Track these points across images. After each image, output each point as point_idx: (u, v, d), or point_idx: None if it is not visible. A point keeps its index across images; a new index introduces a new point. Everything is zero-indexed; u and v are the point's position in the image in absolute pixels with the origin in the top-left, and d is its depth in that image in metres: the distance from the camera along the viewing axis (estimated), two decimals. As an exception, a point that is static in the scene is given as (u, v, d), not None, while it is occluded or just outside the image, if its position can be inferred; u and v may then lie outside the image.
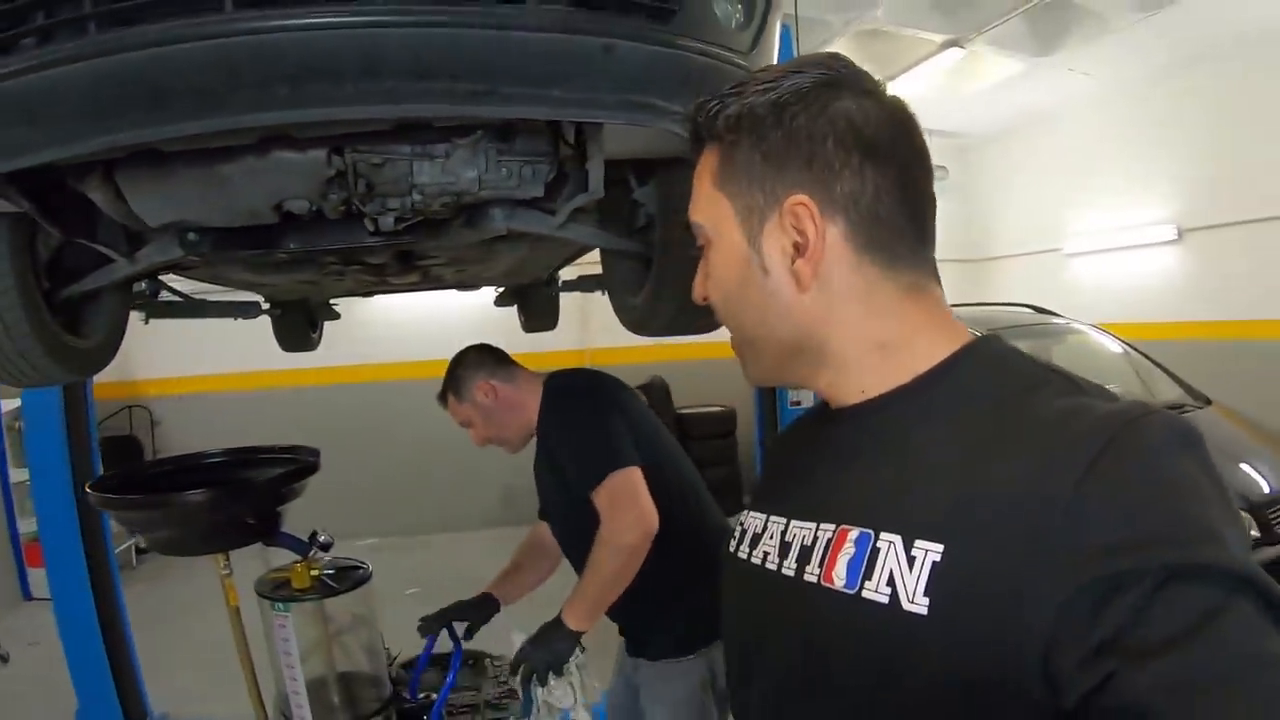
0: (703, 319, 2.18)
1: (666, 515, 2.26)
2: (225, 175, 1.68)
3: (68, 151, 1.38)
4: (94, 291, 2.19)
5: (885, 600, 0.76)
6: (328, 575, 2.37)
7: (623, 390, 2.61)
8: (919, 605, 0.73)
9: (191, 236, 1.87)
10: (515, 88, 1.41)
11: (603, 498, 2.25)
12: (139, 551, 7.80)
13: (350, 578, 2.38)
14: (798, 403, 4.56)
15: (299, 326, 5.01)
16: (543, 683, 2.21)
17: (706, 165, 0.95)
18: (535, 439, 2.58)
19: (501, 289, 4.73)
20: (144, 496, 2.19)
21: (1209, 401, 5.90)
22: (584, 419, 2.41)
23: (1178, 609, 0.63)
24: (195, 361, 7.85)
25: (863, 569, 0.79)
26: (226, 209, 1.82)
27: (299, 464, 2.47)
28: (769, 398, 4.65)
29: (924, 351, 0.89)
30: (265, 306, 4.27)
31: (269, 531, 2.33)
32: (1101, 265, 8.73)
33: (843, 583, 0.80)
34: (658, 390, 8.25)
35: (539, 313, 4.87)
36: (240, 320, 4.08)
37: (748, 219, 0.91)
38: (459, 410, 2.63)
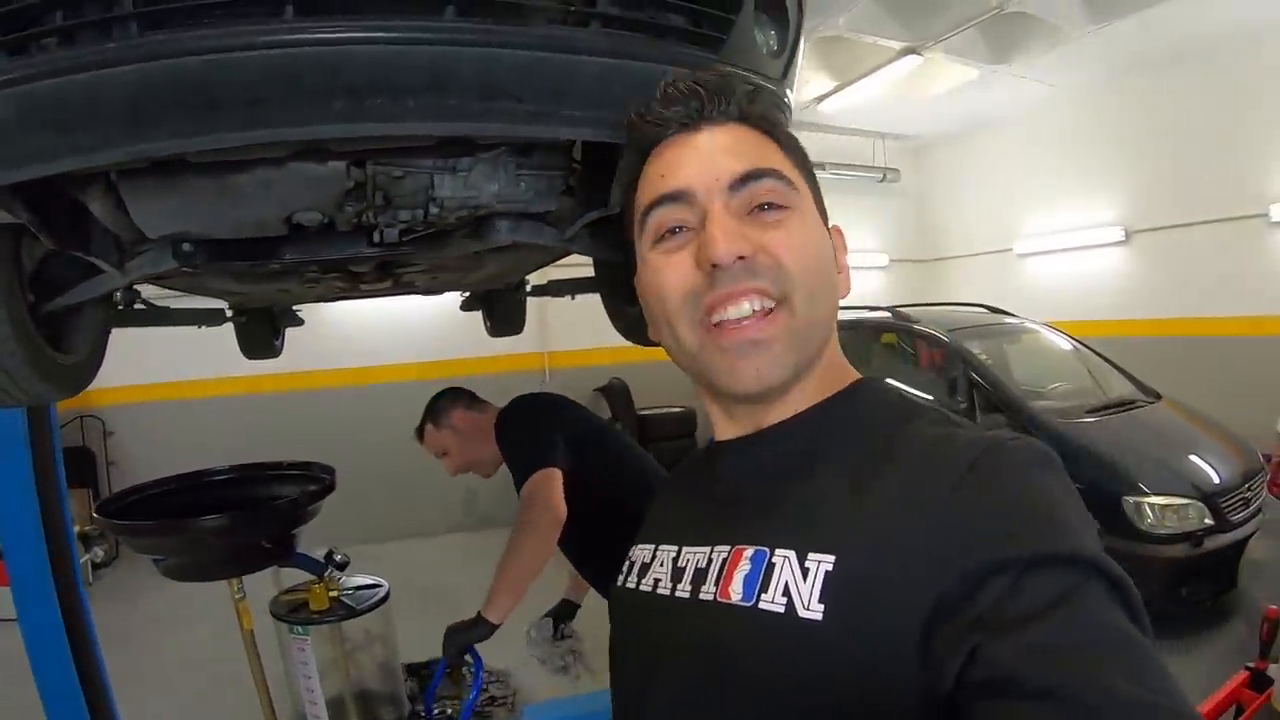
0: None
1: (619, 496, 2.44)
2: (238, 186, 1.65)
3: (90, 162, 1.33)
4: (77, 305, 2.13)
5: (782, 610, 0.79)
6: (345, 595, 2.33)
7: (560, 407, 2.99)
8: (814, 612, 0.77)
9: (186, 248, 1.83)
10: (578, 110, 1.44)
11: (524, 492, 2.60)
12: (95, 566, 7.62)
13: (368, 598, 2.38)
14: None
15: (263, 334, 4.85)
16: (454, 667, 2.49)
17: (751, 138, 0.97)
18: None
19: (468, 294, 4.72)
20: (161, 522, 2.10)
21: (1159, 396, 6.07)
22: (517, 435, 2.80)
23: (1040, 590, 0.68)
24: (148, 370, 7.64)
25: (759, 583, 0.82)
26: (234, 221, 1.79)
27: (314, 482, 2.42)
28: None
29: (837, 376, 0.97)
30: (229, 314, 4.16)
31: (286, 554, 2.27)
32: (1052, 265, 8.96)
33: (739, 597, 0.83)
34: (619, 392, 8.27)
35: (506, 318, 4.85)
36: (200, 328, 3.96)
37: (820, 211, 0.97)
38: (436, 438, 2.96)
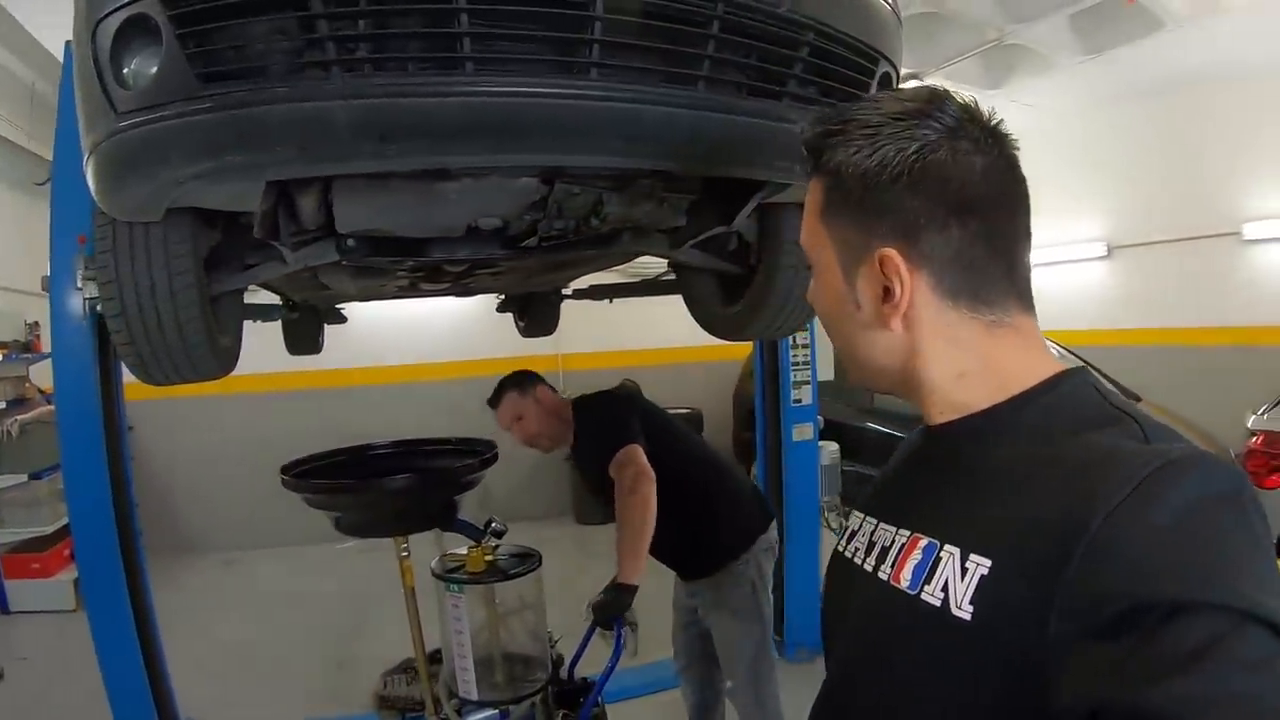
0: (791, 327, 2.67)
1: (685, 475, 3.06)
2: (442, 192, 1.86)
3: (348, 168, 1.60)
4: (230, 292, 2.29)
5: (938, 604, 0.84)
6: (500, 560, 2.58)
7: (634, 398, 3.43)
8: (964, 611, 0.81)
9: (350, 242, 2.02)
10: (771, 159, 1.79)
11: (613, 466, 2.90)
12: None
13: (522, 565, 2.60)
14: (799, 401, 4.91)
15: (310, 330, 5.15)
16: (606, 627, 2.71)
17: (814, 196, 1.02)
18: (571, 446, 3.25)
19: (505, 297, 4.95)
20: (349, 481, 2.38)
21: (1139, 399, 6.30)
22: (602, 414, 3.17)
23: (1186, 637, 0.65)
24: None
25: (925, 574, 0.87)
26: (425, 222, 2.01)
27: (473, 455, 2.68)
28: (771, 395, 4.93)
29: (1003, 382, 0.94)
30: (282, 310, 4.29)
31: (449, 518, 2.53)
32: (1039, 278, 9.14)
33: (907, 584, 0.89)
34: (627, 392, 8.37)
35: (540, 320, 5.12)
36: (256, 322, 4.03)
37: (844, 257, 0.98)
38: (518, 404, 3.18)
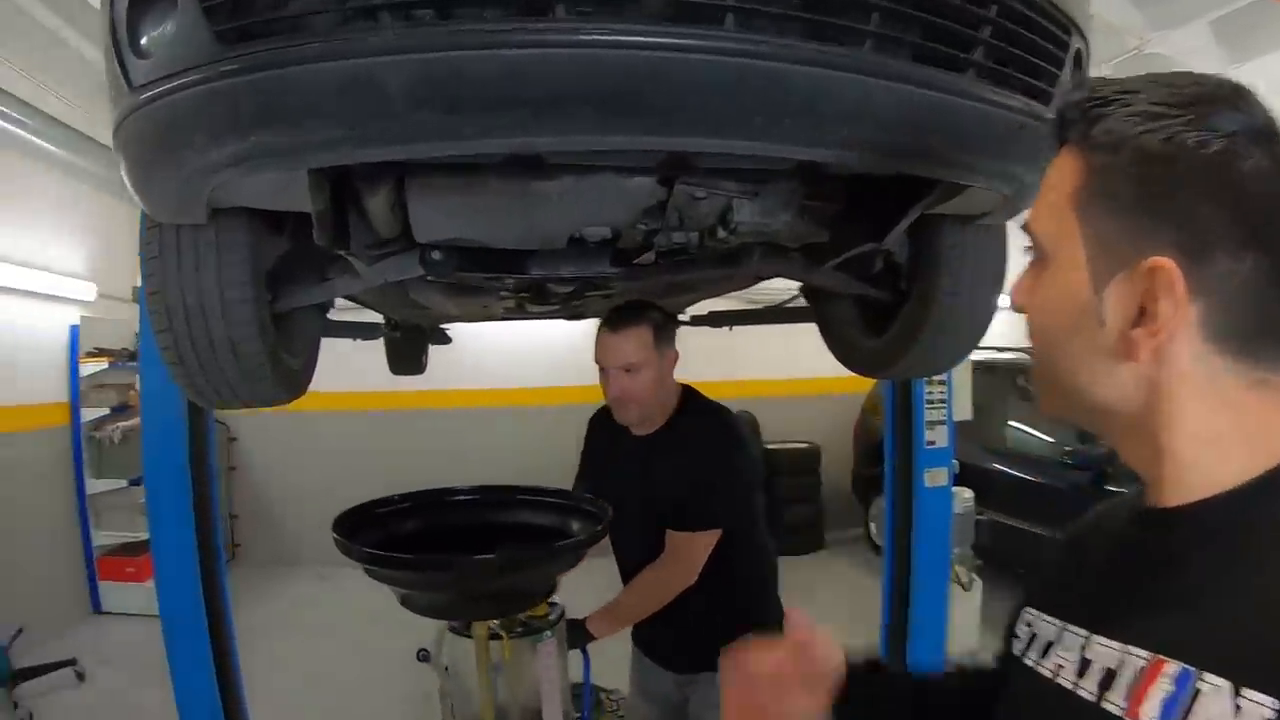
0: (946, 363, 2.32)
1: (756, 558, 2.61)
2: (539, 194, 1.57)
3: (412, 152, 1.25)
4: (300, 309, 2.08)
5: None
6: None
7: (758, 467, 2.89)
8: None
9: (435, 255, 1.75)
10: (951, 151, 1.41)
11: (679, 541, 2.46)
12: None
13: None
14: (932, 443, 4.46)
15: (413, 350, 5.03)
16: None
17: (1066, 173, 0.82)
18: (658, 431, 2.60)
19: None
20: (424, 557, 1.83)
21: None
22: (729, 473, 2.54)
23: None
24: None
25: (1179, 713, 0.68)
26: (519, 231, 1.72)
27: (577, 514, 2.14)
28: (902, 434, 4.51)
29: (1265, 458, 0.75)
30: (385, 329, 4.23)
31: (548, 595, 2.05)
32: None
33: None
34: (746, 426, 8.06)
35: None
36: (355, 341, 3.91)
37: (1098, 259, 0.80)
38: (644, 352, 2.47)
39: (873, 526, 7.89)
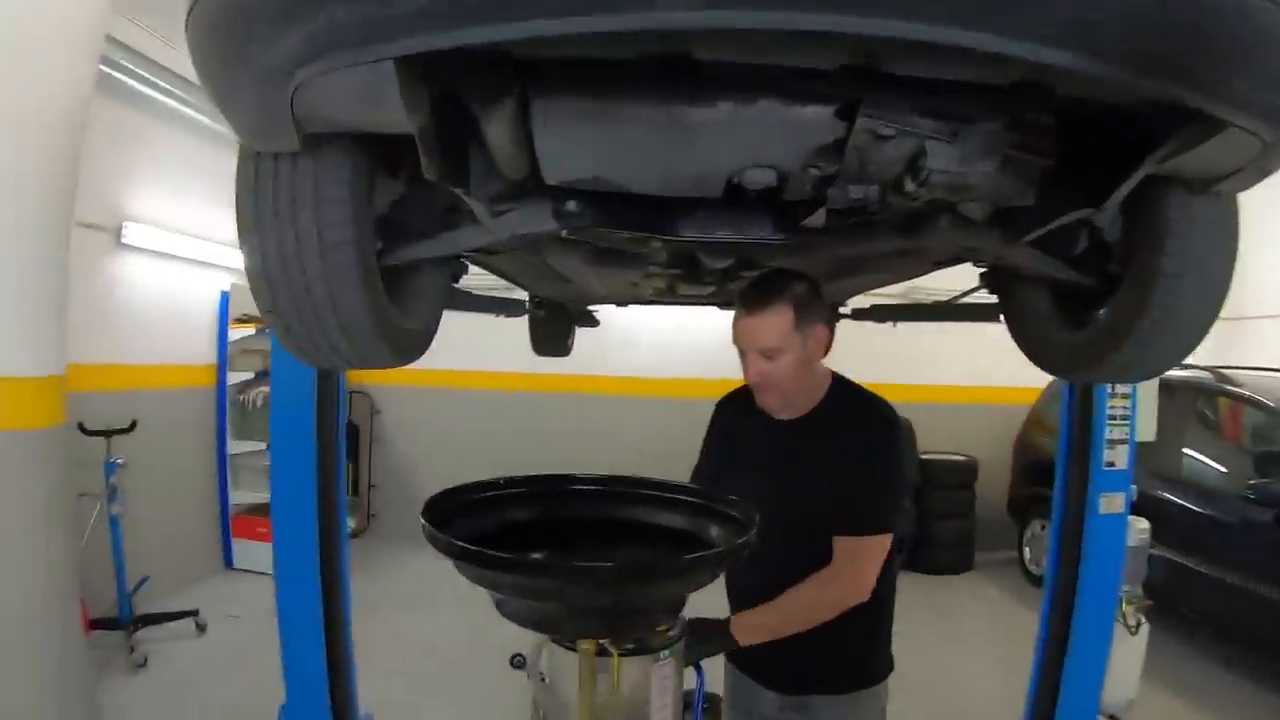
0: (1163, 364, 1.92)
1: (885, 573, 2.23)
2: (692, 125, 1.29)
3: (520, 31, 0.97)
4: (419, 263, 1.88)
5: None
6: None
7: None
8: None
9: (571, 206, 1.53)
10: (1224, 71, 1.07)
11: (852, 547, 2.14)
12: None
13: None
14: (1111, 464, 4.04)
15: (559, 331, 4.87)
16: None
17: None
18: (805, 417, 2.27)
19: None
20: (532, 559, 1.51)
21: None
22: (897, 465, 2.26)
23: None
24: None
25: None
26: (666, 171, 1.44)
27: (714, 515, 1.77)
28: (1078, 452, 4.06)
29: None
30: (529, 306, 4.10)
31: (672, 614, 1.69)
32: None
33: None
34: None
35: None
36: (473, 317, 3.82)
37: None
38: (785, 334, 2.11)
39: (1027, 551, 7.37)
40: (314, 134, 1.30)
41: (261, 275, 1.55)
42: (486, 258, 2.40)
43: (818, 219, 1.55)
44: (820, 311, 2.18)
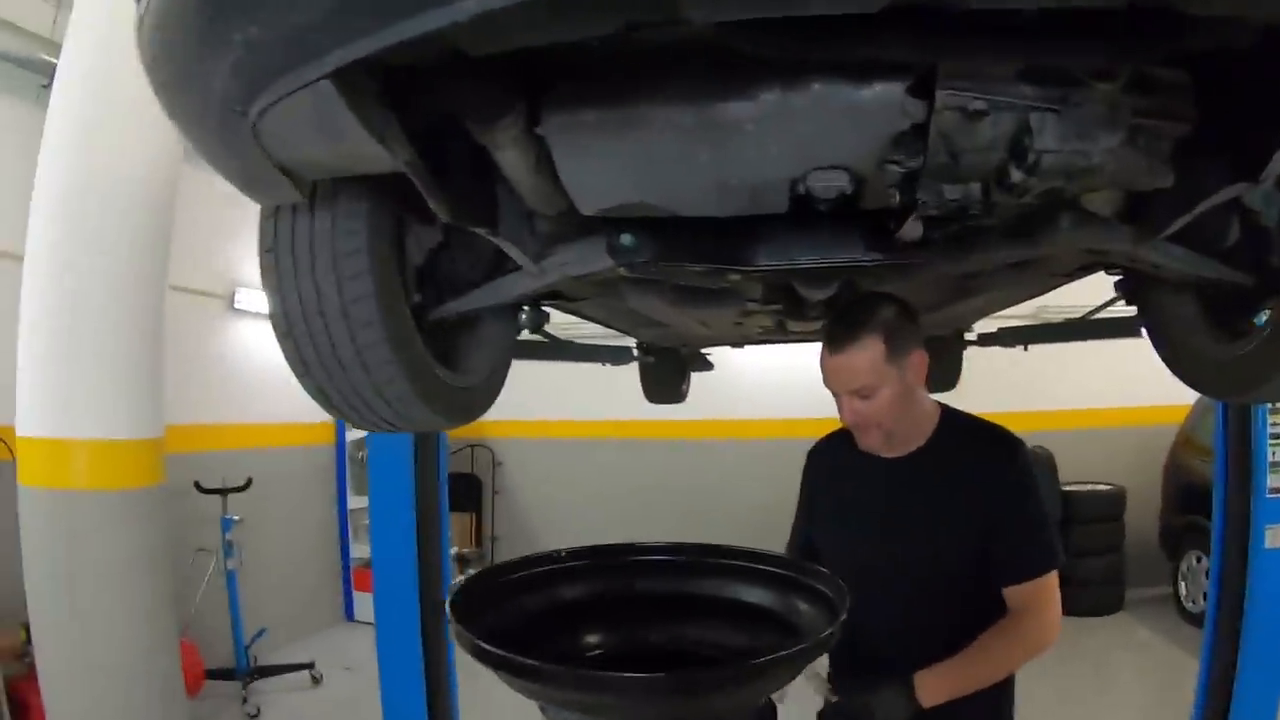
0: None
1: None
2: (731, 123, 1.09)
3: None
4: (474, 315, 1.73)
5: None
6: None
7: None
8: None
9: (626, 240, 1.37)
10: None
11: (1027, 594, 1.91)
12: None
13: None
14: (1277, 490, 3.62)
15: (670, 376, 4.66)
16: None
17: None
18: (918, 452, 1.99)
19: None
20: (553, 669, 1.16)
21: None
22: (1040, 500, 1.97)
23: None
24: (540, 406, 7.66)
25: None
26: (717, 183, 1.24)
27: (812, 594, 1.45)
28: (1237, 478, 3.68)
29: None
30: (637, 353, 3.95)
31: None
32: None
33: None
34: (1041, 463, 7.11)
35: (939, 372, 4.17)
36: (590, 365, 3.79)
37: None
38: (876, 369, 1.86)
39: (1183, 586, 6.70)
40: (318, 181, 1.19)
41: (288, 338, 1.44)
42: (570, 304, 2.24)
43: (913, 230, 1.33)
44: (915, 335, 1.92)
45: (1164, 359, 1.94)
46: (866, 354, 1.83)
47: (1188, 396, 6.57)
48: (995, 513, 1.89)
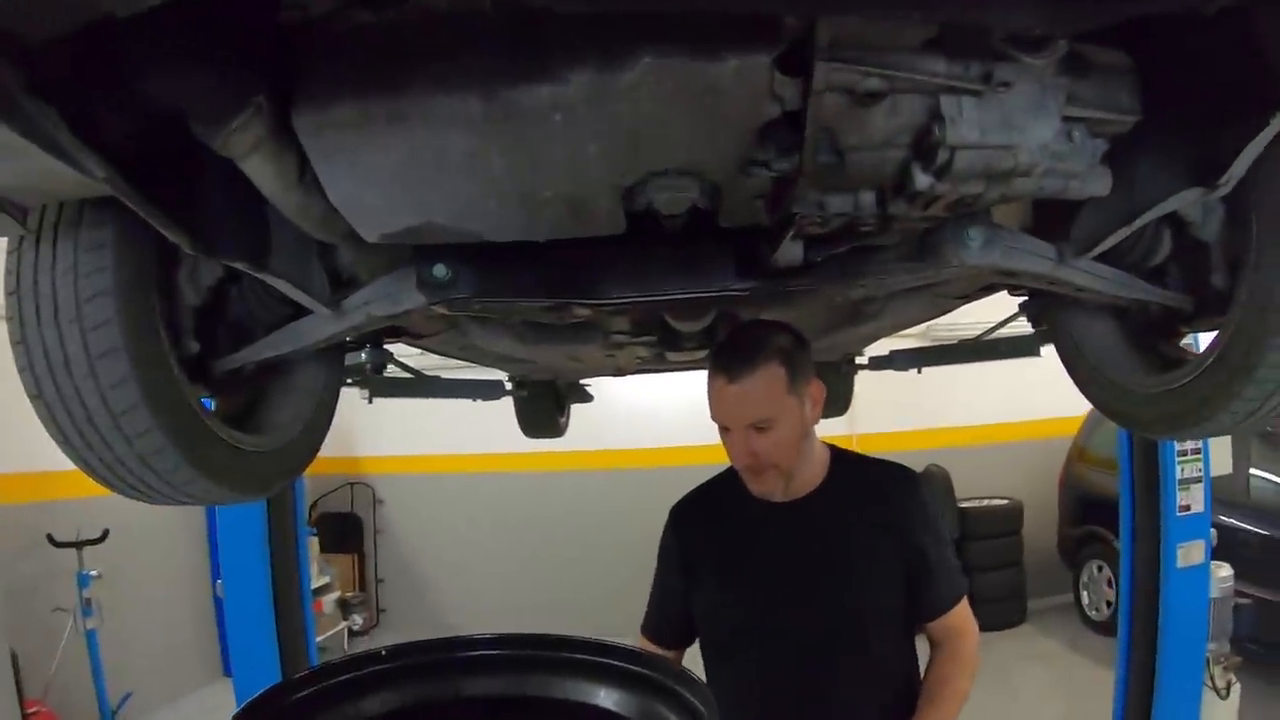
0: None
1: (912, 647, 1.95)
2: (530, 110, 0.83)
3: None
4: (278, 363, 1.45)
5: None
6: None
7: None
8: None
9: (440, 272, 1.18)
10: None
11: (960, 616, 1.83)
12: (353, 634, 7.41)
13: None
14: (1186, 508, 3.59)
15: (546, 410, 4.46)
16: None
17: None
18: (818, 492, 1.78)
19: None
20: None
21: None
22: (943, 525, 1.88)
23: None
24: (422, 440, 7.50)
25: None
26: (519, 199, 0.99)
27: (671, 698, 1.15)
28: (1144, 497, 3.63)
29: None
30: (509, 387, 3.75)
31: None
32: None
33: None
34: (937, 481, 7.10)
35: (829, 397, 4.06)
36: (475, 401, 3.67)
37: None
38: (778, 398, 1.64)
39: (1085, 595, 6.77)
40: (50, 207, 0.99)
41: (39, 399, 1.19)
42: (418, 341, 1.98)
43: (790, 253, 1.09)
44: (811, 363, 1.70)
45: (1086, 394, 1.74)
46: (767, 383, 1.60)
47: (1080, 409, 6.66)
48: (916, 546, 1.75)
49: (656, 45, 0.75)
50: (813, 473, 1.75)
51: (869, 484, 1.80)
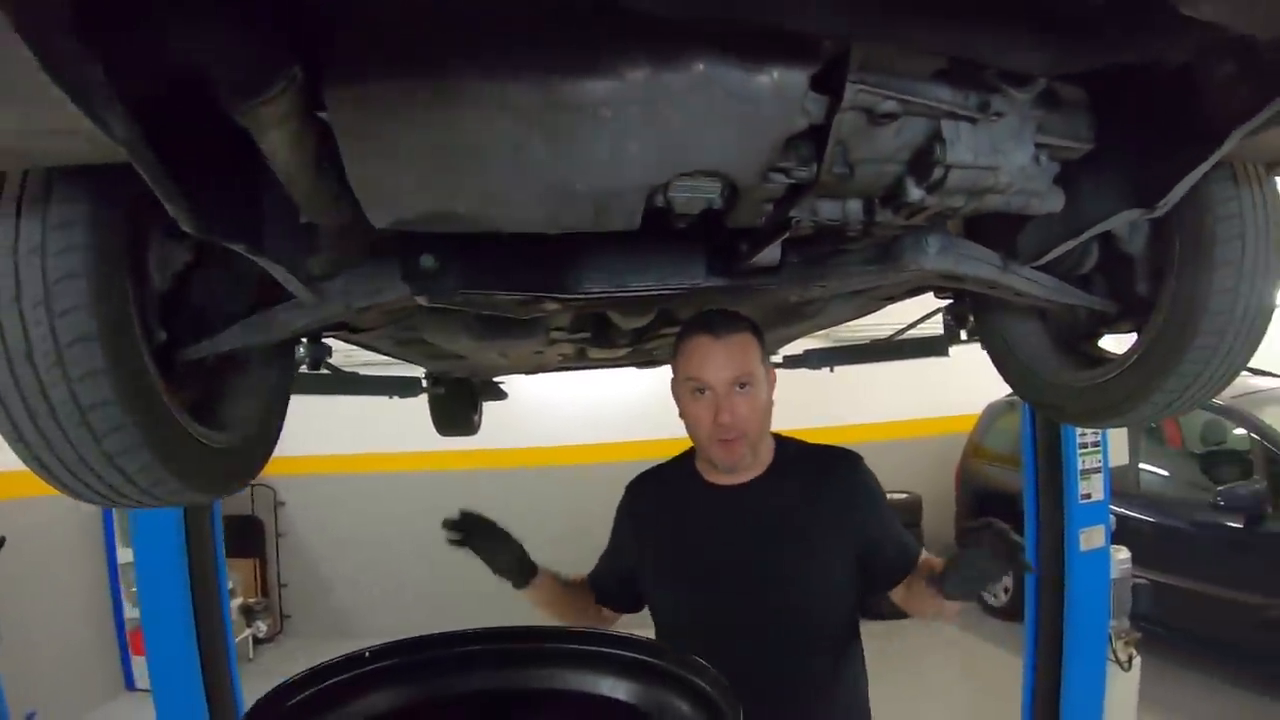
0: (1200, 399, 1.56)
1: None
2: (585, 105, 0.86)
3: None
4: (236, 356, 1.41)
5: None
6: None
7: None
8: None
9: (426, 262, 1.18)
10: None
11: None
12: (258, 641, 7.20)
13: None
14: (1087, 496, 3.82)
15: (461, 408, 4.46)
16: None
17: None
18: (767, 475, 1.83)
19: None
20: None
21: None
22: (886, 502, 1.94)
23: None
24: (325, 440, 7.20)
25: None
26: (554, 192, 1.00)
27: (676, 681, 1.21)
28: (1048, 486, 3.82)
29: None
30: (425, 384, 3.70)
31: None
32: None
33: None
34: None
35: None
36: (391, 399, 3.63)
37: None
38: (758, 360, 1.72)
39: (984, 583, 7.05)
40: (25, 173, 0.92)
41: None
42: (353, 335, 1.93)
43: (771, 255, 1.15)
44: (762, 345, 1.79)
45: (1010, 383, 1.90)
46: (747, 345, 1.68)
47: (977, 406, 6.91)
48: (870, 521, 1.82)
49: (710, 53, 0.81)
50: (767, 452, 1.83)
51: (813, 466, 1.86)
